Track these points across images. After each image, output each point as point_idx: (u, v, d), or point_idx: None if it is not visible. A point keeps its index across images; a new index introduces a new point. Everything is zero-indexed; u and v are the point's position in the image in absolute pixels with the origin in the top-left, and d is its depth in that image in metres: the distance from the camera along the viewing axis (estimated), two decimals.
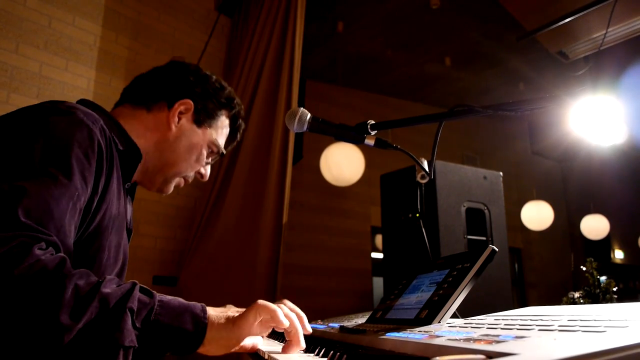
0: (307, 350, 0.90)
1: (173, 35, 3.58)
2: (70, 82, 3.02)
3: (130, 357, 0.71)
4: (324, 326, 1.23)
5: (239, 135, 1.29)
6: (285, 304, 0.90)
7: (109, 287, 0.70)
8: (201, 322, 0.77)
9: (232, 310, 0.85)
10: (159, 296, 0.77)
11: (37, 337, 0.64)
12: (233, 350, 0.83)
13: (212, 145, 1.17)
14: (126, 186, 1.06)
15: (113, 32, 3.27)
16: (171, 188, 1.18)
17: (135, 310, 0.71)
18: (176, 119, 1.11)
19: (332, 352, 0.77)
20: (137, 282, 0.76)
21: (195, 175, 1.20)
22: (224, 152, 1.22)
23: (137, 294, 0.73)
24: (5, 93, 2.76)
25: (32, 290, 0.64)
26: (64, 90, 2.98)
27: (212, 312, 0.81)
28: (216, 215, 3.13)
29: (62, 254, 0.71)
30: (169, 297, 0.78)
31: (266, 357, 0.86)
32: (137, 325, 0.71)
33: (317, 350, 0.86)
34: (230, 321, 0.80)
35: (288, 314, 0.85)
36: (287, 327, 0.83)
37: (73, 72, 3.05)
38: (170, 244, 3.37)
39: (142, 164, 1.08)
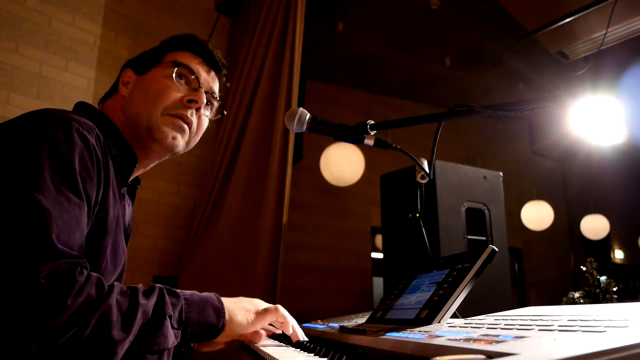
0: (307, 350, 0.90)
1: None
2: (70, 82, 3.02)
3: (172, 354, 0.81)
4: (324, 326, 1.23)
5: (215, 55, 1.14)
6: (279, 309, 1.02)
7: (143, 298, 0.77)
8: (222, 314, 0.87)
9: (246, 302, 0.95)
10: (181, 294, 0.84)
11: (94, 354, 0.70)
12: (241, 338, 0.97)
13: (169, 76, 1.05)
14: (122, 190, 1.03)
15: (113, 32, 3.27)
16: (168, 133, 1.04)
17: (172, 314, 0.79)
18: (124, 88, 1.10)
19: (332, 352, 0.77)
20: (160, 285, 0.83)
21: (187, 105, 1.05)
22: (190, 65, 1.08)
23: (168, 299, 0.80)
24: (5, 93, 2.76)
25: (83, 315, 0.69)
26: (64, 90, 2.98)
27: (229, 304, 0.91)
28: (216, 216, 3.13)
29: (96, 275, 0.75)
30: (188, 293, 0.86)
31: (265, 355, 0.86)
32: (175, 326, 0.79)
33: (317, 350, 0.86)
34: (250, 313, 0.93)
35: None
36: (288, 331, 1.02)
37: (73, 72, 3.05)
38: (170, 244, 3.37)
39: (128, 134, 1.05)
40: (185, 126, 1.06)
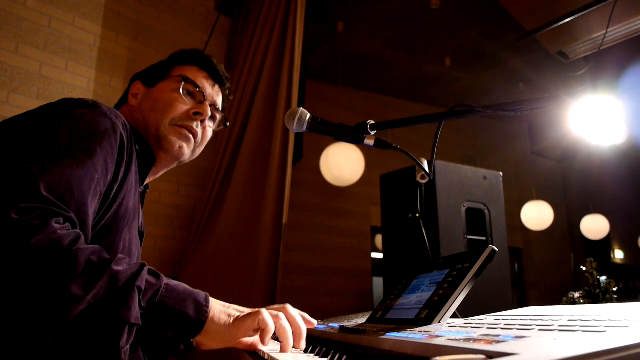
0: (307, 350, 0.90)
1: (173, 35, 3.58)
2: (70, 82, 3.02)
3: (134, 336, 0.72)
4: (324, 326, 1.23)
5: (219, 70, 1.22)
6: (287, 311, 0.92)
7: (120, 265, 0.73)
8: (203, 310, 0.81)
9: (233, 309, 0.88)
10: (166, 279, 0.80)
11: (47, 306, 0.65)
12: (230, 345, 0.86)
13: (177, 90, 1.13)
14: (140, 189, 1.09)
15: (113, 32, 3.27)
16: (175, 142, 1.12)
17: (143, 289, 0.73)
18: (133, 99, 1.18)
19: (332, 352, 0.77)
20: (145, 263, 0.78)
21: (193, 117, 1.13)
22: (196, 80, 1.16)
23: (145, 274, 0.75)
24: (5, 93, 2.76)
25: (46, 260, 0.66)
26: (64, 90, 2.98)
27: (216, 305, 0.85)
28: (216, 215, 3.13)
29: (78, 231, 0.73)
30: (176, 282, 0.82)
31: (266, 356, 0.86)
32: (143, 305, 0.73)
33: (317, 350, 0.86)
34: (231, 319, 0.84)
35: (284, 326, 0.87)
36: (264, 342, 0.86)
37: (73, 72, 3.05)
38: (170, 244, 3.37)
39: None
40: (191, 136, 1.15)
